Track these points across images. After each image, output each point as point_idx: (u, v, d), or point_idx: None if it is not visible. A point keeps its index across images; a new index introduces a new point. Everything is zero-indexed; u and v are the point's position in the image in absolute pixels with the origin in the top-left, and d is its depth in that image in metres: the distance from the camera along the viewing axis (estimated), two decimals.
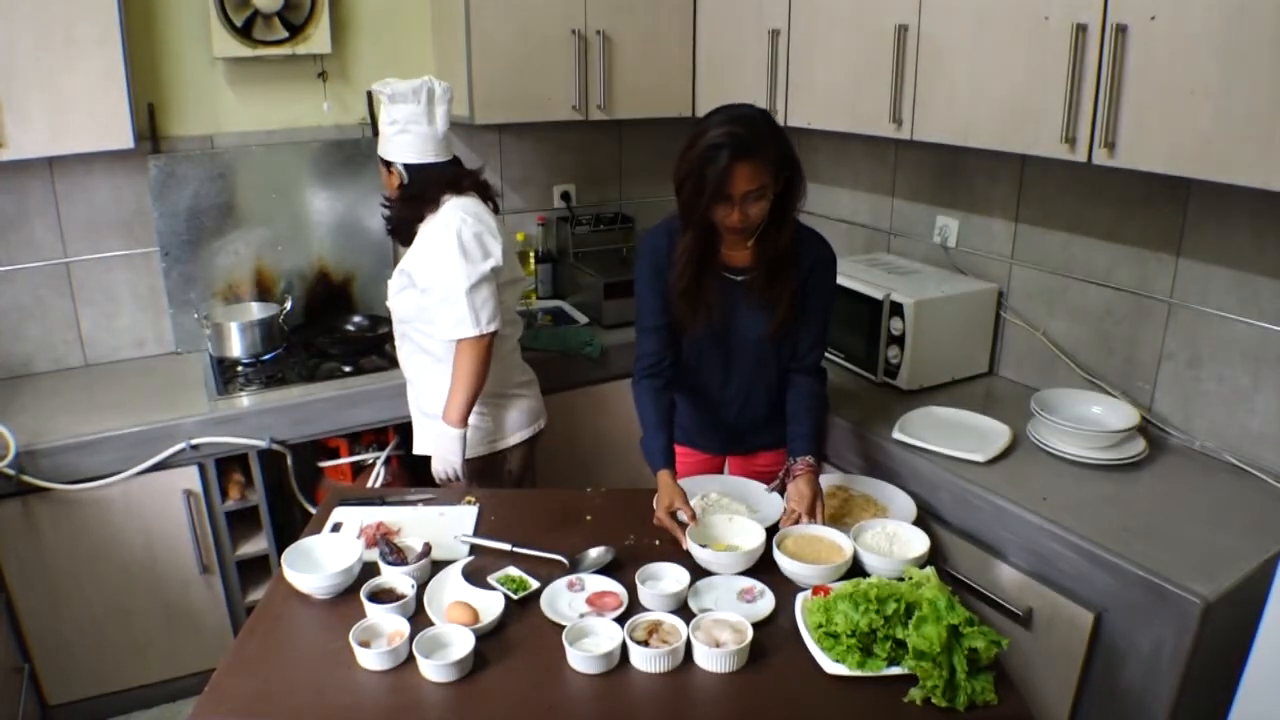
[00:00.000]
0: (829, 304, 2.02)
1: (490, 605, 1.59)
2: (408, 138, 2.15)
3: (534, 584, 1.67)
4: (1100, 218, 2.28)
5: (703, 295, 1.92)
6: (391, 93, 2.12)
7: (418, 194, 2.18)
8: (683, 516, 1.81)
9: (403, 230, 2.25)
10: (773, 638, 1.54)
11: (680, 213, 1.85)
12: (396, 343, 2.35)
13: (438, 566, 1.72)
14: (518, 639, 1.55)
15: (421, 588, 1.65)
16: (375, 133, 2.95)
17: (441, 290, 2.11)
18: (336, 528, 1.90)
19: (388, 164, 2.19)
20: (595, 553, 1.77)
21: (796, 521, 1.81)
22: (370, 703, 1.42)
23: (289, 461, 2.51)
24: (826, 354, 2.37)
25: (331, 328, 2.95)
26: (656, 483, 1.90)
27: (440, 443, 2.16)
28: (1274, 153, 1.57)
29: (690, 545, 1.73)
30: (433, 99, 2.15)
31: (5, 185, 2.56)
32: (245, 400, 2.50)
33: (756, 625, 1.52)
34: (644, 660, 1.46)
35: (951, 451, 2.08)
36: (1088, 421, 2.13)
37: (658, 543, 1.81)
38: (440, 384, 2.22)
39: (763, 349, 2.01)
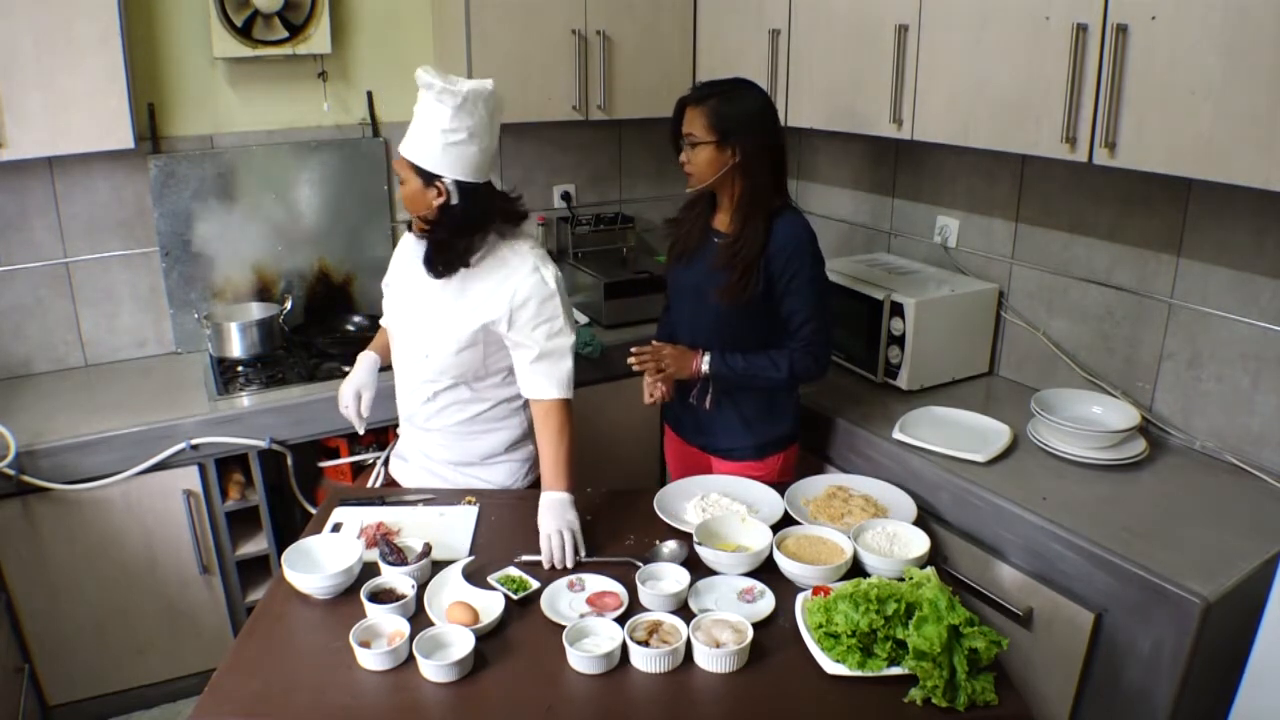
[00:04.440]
0: (804, 281, 1.99)
1: (490, 605, 1.59)
2: (469, 150, 1.84)
3: (534, 584, 1.67)
4: (1100, 218, 2.28)
5: (686, 241, 2.13)
6: (464, 96, 1.80)
7: (469, 220, 1.89)
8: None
9: (444, 261, 1.92)
10: (773, 638, 1.54)
11: None
12: (426, 398, 2.05)
13: (438, 566, 1.72)
14: (518, 639, 1.55)
15: (421, 588, 1.65)
16: (375, 131, 2.98)
17: (548, 348, 1.93)
18: (336, 528, 1.90)
19: (429, 177, 1.86)
20: (669, 547, 1.78)
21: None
22: (370, 703, 1.42)
23: (289, 461, 2.51)
24: None
25: (331, 328, 2.94)
26: None
27: (560, 511, 1.84)
28: (1274, 153, 1.57)
29: (697, 545, 1.73)
30: (494, 109, 1.88)
31: (5, 185, 2.56)
32: (245, 400, 2.50)
33: (756, 625, 1.52)
34: (644, 660, 1.46)
35: (951, 451, 2.08)
36: (1088, 421, 2.13)
37: (658, 543, 1.81)
38: (490, 429, 2.08)
39: (727, 317, 2.04)
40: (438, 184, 1.85)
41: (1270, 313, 1.97)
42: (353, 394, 2.16)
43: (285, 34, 2.71)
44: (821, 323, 2.04)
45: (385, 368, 2.20)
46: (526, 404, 2.05)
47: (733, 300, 1.99)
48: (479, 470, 2.12)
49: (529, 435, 2.12)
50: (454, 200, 1.86)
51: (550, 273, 1.95)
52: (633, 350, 2.07)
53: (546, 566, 1.76)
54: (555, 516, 1.82)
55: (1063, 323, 2.41)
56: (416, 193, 1.88)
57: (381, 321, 2.22)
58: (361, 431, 2.21)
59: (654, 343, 2.12)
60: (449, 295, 1.97)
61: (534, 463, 2.15)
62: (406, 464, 2.21)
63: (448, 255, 1.92)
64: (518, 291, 1.91)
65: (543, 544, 1.78)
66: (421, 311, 2.02)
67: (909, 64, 2.25)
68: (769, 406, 2.14)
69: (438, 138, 1.82)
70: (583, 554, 1.79)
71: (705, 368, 2.05)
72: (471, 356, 1.97)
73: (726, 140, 1.96)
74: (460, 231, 1.90)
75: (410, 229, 2.03)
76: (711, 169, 1.98)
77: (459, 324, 1.95)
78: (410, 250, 2.06)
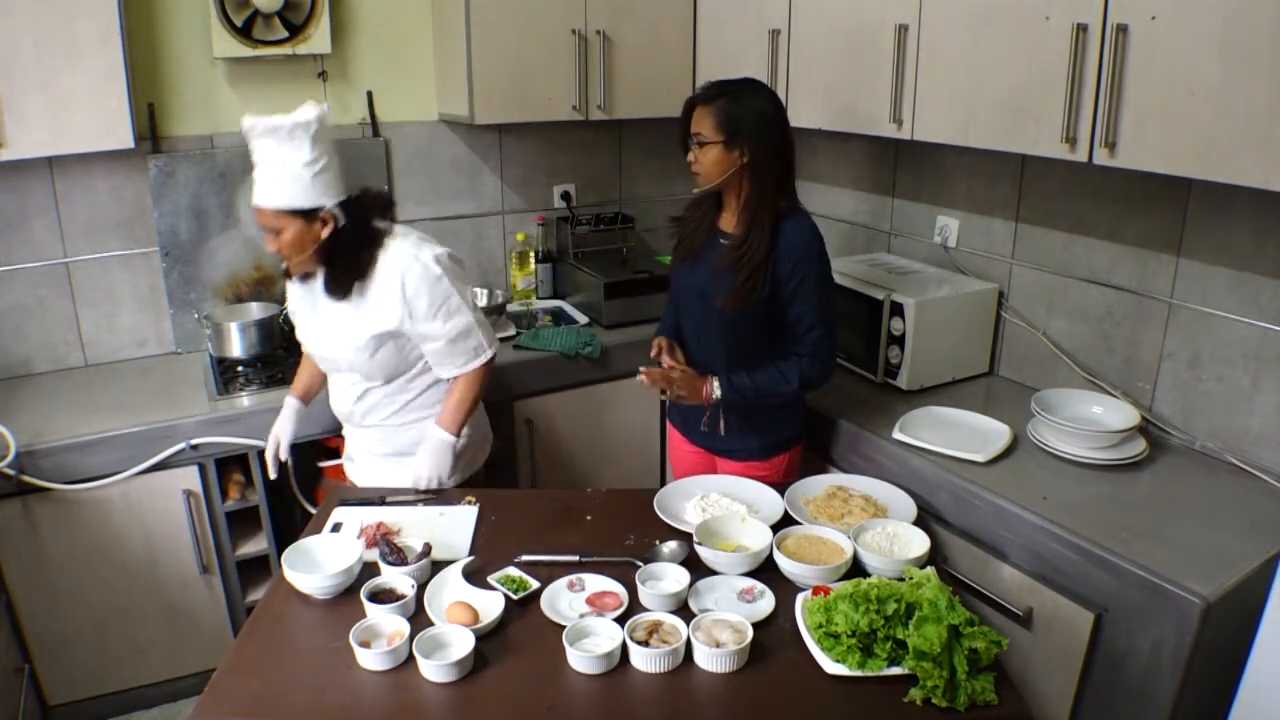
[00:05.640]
0: (811, 286, 1.99)
1: (490, 605, 1.59)
2: (333, 173, 1.89)
3: (534, 584, 1.68)
4: (1100, 218, 2.28)
5: (691, 241, 2.12)
6: (315, 122, 1.81)
7: (360, 232, 1.94)
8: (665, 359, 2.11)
9: (351, 280, 1.98)
10: (773, 638, 1.54)
11: None
12: (356, 397, 2.13)
13: (438, 566, 1.72)
14: (518, 639, 1.55)
15: (421, 588, 1.65)
16: (375, 131, 2.98)
17: (449, 331, 2.02)
18: (336, 528, 1.90)
19: (308, 213, 1.87)
20: (669, 547, 1.78)
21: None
22: (370, 703, 1.42)
23: (289, 461, 2.51)
24: None
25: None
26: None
27: (438, 451, 2.08)
28: (1274, 153, 1.57)
29: (697, 545, 1.74)
30: (327, 126, 1.89)
31: (5, 185, 2.56)
32: (245, 400, 2.50)
33: (756, 625, 1.52)
34: (644, 660, 1.46)
35: (951, 451, 2.08)
36: (1088, 421, 2.13)
37: (658, 543, 1.81)
38: (422, 416, 2.15)
39: (732, 319, 2.03)
40: (321, 215, 1.89)
41: (1270, 313, 1.97)
42: (273, 439, 2.24)
43: (285, 34, 2.71)
44: (827, 328, 2.03)
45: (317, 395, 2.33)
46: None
47: (739, 304, 1.98)
48: (435, 434, 2.14)
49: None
50: (343, 222, 1.91)
51: (430, 254, 1.98)
52: (642, 370, 2.05)
53: (412, 484, 2.07)
54: (442, 459, 2.07)
55: (1063, 323, 2.41)
56: (300, 235, 1.90)
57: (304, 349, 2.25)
58: (273, 476, 2.27)
59: (670, 363, 2.10)
60: (349, 310, 2.03)
61: (464, 459, 2.21)
62: (354, 464, 2.30)
63: (352, 273, 1.97)
64: (405, 285, 1.97)
65: (414, 479, 2.07)
66: (330, 334, 2.08)
67: (909, 64, 2.25)
68: (775, 407, 2.13)
69: (303, 173, 1.83)
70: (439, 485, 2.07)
71: (716, 394, 2.04)
72: (387, 355, 2.05)
73: (735, 141, 1.94)
74: (361, 245, 1.96)
75: (289, 276, 2.06)
76: (719, 169, 1.98)
77: (363, 334, 2.02)
78: (298, 292, 2.11)
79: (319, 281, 2.03)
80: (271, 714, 1.41)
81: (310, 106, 1.85)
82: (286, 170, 1.82)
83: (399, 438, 2.18)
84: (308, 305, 2.11)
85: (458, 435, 2.11)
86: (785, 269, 1.97)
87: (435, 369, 2.11)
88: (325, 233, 1.91)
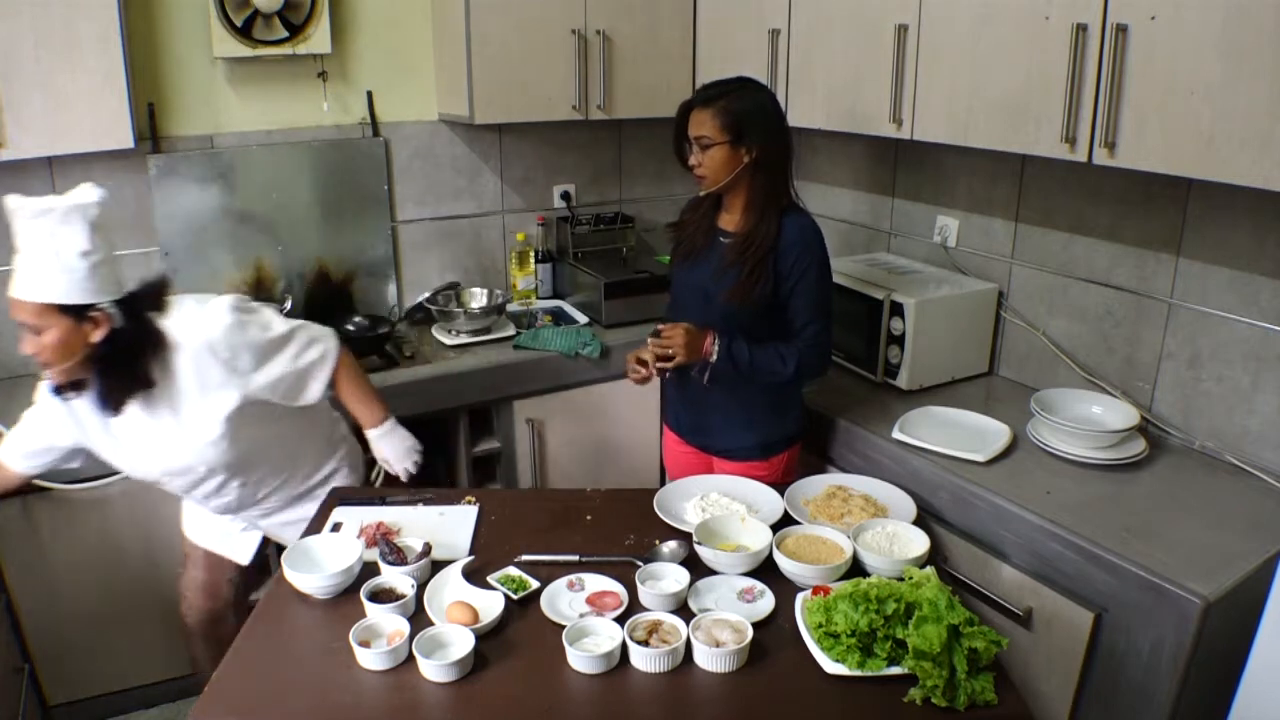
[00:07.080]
0: (811, 281, 2.00)
1: (490, 605, 1.59)
2: (107, 269, 1.59)
3: (534, 584, 1.67)
4: (1100, 218, 2.28)
5: (692, 242, 2.11)
6: (98, 206, 1.54)
7: (143, 332, 1.67)
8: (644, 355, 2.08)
9: (128, 393, 1.70)
10: (773, 638, 1.54)
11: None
12: (235, 495, 1.94)
13: (438, 566, 1.72)
14: (518, 639, 1.55)
15: (421, 588, 1.65)
16: (375, 131, 2.98)
17: (287, 360, 1.86)
18: (336, 528, 1.90)
19: (79, 311, 1.58)
20: (669, 547, 1.78)
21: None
22: (370, 703, 1.42)
23: None
24: None
25: (331, 327, 2.94)
26: None
27: (391, 443, 2.05)
28: (1274, 153, 1.57)
29: (697, 545, 1.73)
30: (108, 211, 1.61)
31: (5, 185, 2.53)
32: None
33: (756, 625, 1.52)
34: (644, 660, 1.46)
35: (951, 451, 2.09)
36: (1088, 421, 2.13)
37: (658, 542, 1.81)
38: (324, 462, 2.10)
39: (734, 317, 2.02)
40: (93, 315, 1.60)
41: (1270, 313, 1.97)
42: None
43: (285, 34, 2.71)
44: (823, 325, 2.04)
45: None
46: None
47: (742, 299, 1.98)
48: (379, 431, 2.08)
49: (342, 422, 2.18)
50: (119, 323, 1.63)
51: (216, 305, 1.77)
52: (630, 369, 2.08)
53: (405, 478, 2.08)
54: (396, 450, 2.07)
55: (1063, 323, 2.41)
56: (66, 336, 1.60)
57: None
58: None
59: (662, 327, 2.04)
60: (168, 418, 1.78)
61: (358, 473, 2.20)
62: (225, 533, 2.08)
63: (129, 384, 1.69)
64: (217, 351, 1.74)
65: (399, 471, 2.07)
66: (162, 451, 1.81)
67: (909, 64, 2.25)
68: (774, 405, 2.13)
69: (77, 264, 1.55)
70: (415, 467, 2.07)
71: (713, 356, 2.01)
72: (252, 432, 1.85)
73: (741, 139, 1.95)
74: (140, 350, 1.68)
75: (61, 391, 1.71)
76: (727, 169, 1.97)
77: (208, 429, 1.78)
78: (74, 413, 1.78)
79: (90, 399, 1.71)
80: (271, 714, 1.41)
81: (90, 187, 1.60)
82: (59, 260, 1.54)
83: (287, 481, 2.04)
84: (99, 428, 1.77)
85: (387, 416, 2.06)
86: (786, 264, 1.98)
87: (300, 402, 1.91)
88: (97, 336, 1.61)
